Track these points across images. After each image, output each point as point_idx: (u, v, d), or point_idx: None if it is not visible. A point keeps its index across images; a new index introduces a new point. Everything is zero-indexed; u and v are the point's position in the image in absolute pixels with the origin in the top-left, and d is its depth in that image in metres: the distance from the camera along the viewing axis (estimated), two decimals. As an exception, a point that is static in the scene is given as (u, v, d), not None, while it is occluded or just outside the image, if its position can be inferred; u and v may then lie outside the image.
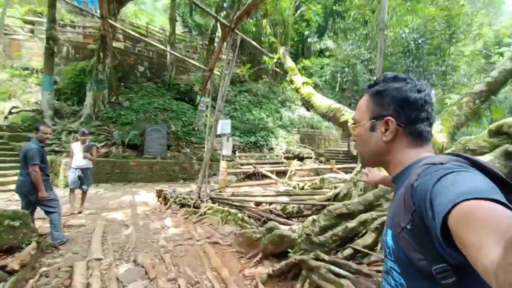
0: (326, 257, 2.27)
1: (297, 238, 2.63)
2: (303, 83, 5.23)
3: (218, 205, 4.55)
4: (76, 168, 4.70)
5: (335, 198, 3.55)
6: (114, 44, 12.18)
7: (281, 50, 6.29)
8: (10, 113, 9.45)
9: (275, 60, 6.18)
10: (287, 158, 12.77)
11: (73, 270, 2.77)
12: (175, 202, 5.18)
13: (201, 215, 4.46)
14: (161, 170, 8.94)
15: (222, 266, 2.83)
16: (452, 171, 0.49)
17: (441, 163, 0.53)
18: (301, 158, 13.15)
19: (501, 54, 18.90)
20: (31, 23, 13.29)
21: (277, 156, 12.59)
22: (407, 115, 0.65)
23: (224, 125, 5.99)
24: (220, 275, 2.69)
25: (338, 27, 14.00)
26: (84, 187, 4.85)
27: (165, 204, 5.44)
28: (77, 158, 4.72)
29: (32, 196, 3.34)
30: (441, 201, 0.44)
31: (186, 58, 6.11)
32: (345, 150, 15.76)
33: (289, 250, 2.68)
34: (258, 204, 4.38)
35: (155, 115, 10.53)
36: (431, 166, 0.54)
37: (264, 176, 9.71)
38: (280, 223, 3.43)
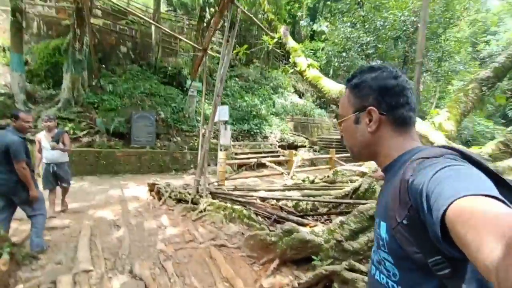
0: (364, 268, 1.95)
1: (322, 243, 2.30)
2: (309, 66, 4.79)
3: (220, 200, 4.15)
4: (49, 164, 3.94)
5: (354, 193, 3.25)
6: (92, 20, 11.03)
7: (282, 29, 5.75)
8: (-26, 97, 8.41)
9: (275, 40, 5.63)
10: (281, 146, 12.45)
11: (56, 287, 2.32)
12: (170, 197, 4.73)
13: (200, 211, 4.05)
14: (151, 160, 8.36)
15: (235, 276, 2.47)
16: (447, 165, 0.48)
17: (435, 157, 0.53)
18: (295, 147, 12.87)
19: (487, 43, 19.11)
20: (-6, -6, 11.75)
21: (271, 145, 12.23)
22: (388, 102, 0.66)
23: (221, 112, 5.49)
24: (234, 288, 2.34)
25: (334, 8, 13.40)
26: (63, 184, 4.15)
27: (159, 199, 4.97)
28: (46, 151, 3.91)
29: (16, 196, 2.83)
30: (438, 198, 0.43)
31: (176, 35, 5.44)
32: (338, 138, 15.64)
33: (313, 256, 2.35)
34: (263, 199, 4.02)
35: (142, 101, 9.76)
36: (425, 160, 0.53)
37: (261, 166, 9.36)
38: (294, 222, 3.09)
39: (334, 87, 4.15)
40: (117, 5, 16.47)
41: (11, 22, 8.35)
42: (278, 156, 11.80)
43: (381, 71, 0.68)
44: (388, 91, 0.66)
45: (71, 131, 7.86)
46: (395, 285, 0.60)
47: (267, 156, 11.13)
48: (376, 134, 0.67)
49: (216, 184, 5.40)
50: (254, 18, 5.11)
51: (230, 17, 4.26)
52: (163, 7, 20.17)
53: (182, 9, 21.24)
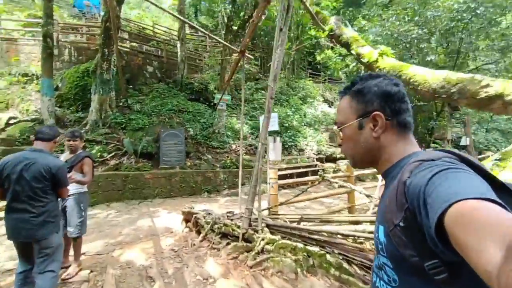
0: None
1: None
2: (381, 54, 3.73)
3: (283, 237, 3.05)
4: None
5: None
6: (120, 45, 11.01)
7: (332, 19, 4.81)
8: (7, 124, 8.28)
9: (326, 33, 4.68)
10: (319, 159, 11.19)
11: None
12: (213, 230, 3.71)
13: (257, 253, 2.96)
14: (181, 181, 7.53)
15: None
16: (445, 168, 0.48)
17: (433, 160, 0.53)
18: (333, 159, 11.55)
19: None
20: (30, 25, 12.25)
21: (308, 158, 11.02)
22: (391, 108, 0.67)
23: (270, 120, 4.51)
24: None
25: (374, 3, 12.34)
26: (70, 229, 2.83)
27: (198, 232, 3.98)
28: None
29: (46, 240, 2.09)
30: (436, 200, 0.43)
31: (209, 34, 4.67)
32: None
33: None
34: (345, 236, 2.82)
35: (170, 118, 9.17)
36: (423, 163, 0.53)
37: (300, 184, 8.16)
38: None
39: (432, 75, 3.00)
40: (144, 28, 16.77)
41: (42, 47, 8.29)
42: (317, 170, 10.53)
43: (382, 78, 0.70)
44: (391, 97, 0.67)
45: (98, 154, 7.32)
46: None
47: (307, 172, 9.93)
48: (380, 139, 0.68)
49: (267, 211, 4.32)
50: (306, 4, 4.24)
51: (283, 7, 3.38)
52: (186, 30, 20.61)
53: (204, 29, 21.48)
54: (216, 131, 9.60)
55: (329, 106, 17.06)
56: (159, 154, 7.97)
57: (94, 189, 6.32)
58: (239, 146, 9.92)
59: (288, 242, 2.85)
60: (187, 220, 4.47)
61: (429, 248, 0.47)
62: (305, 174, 9.85)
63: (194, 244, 3.64)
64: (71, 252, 3.00)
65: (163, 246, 3.68)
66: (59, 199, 2.31)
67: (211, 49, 17.43)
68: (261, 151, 3.36)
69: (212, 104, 11.77)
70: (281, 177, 8.88)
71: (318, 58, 18.20)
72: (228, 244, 3.34)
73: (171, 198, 7.22)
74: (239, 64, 5.18)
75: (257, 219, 3.35)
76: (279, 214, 4.06)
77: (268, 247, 2.99)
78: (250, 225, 3.28)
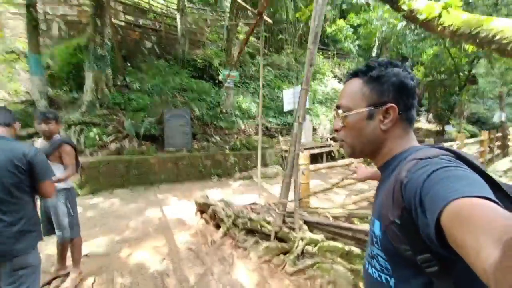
0: None
1: None
2: (445, 7, 2.90)
3: (328, 237, 2.47)
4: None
5: None
6: (115, 19, 9.98)
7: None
8: (-4, 107, 7.60)
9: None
10: (333, 139, 10.55)
11: None
12: (235, 225, 3.15)
13: (297, 257, 2.41)
14: (189, 165, 6.96)
15: None
16: (442, 166, 0.48)
17: (430, 158, 0.53)
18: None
19: None
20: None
21: (321, 138, 10.38)
22: (405, 102, 0.65)
23: (297, 95, 3.81)
24: None
25: None
26: (59, 232, 2.27)
27: (216, 226, 3.44)
28: None
29: (22, 258, 1.48)
30: (434, 199, 0.44)
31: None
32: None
33: None
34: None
35: (173, 97, 8.42)
36: (420, 161, 0.53)
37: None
38: None
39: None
40: (138, 3, 15.43)
41: (26, 19, 7.38)
42: (331, 151, 9.94)
43: (402, 69, 0.67)
44: (407, 91, 0.65)
45: (97, 137, 6.69)
46: (388, 278, 0.60)
47: (322, 153, 9.33)
48: (386, 133, 0.66)
49: (299, 202, 3.72)
50: None
51: None
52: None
53: (202, 2, 19.95)
54: (224, 110, 8.87)
55: (339, 82, 16.11)
56: (163, 137, 7.34)
57: (95, 175, 5.76)
58: (248, 126, 9.26)
59: (338, 244, 2.27)
60: (202, 211, 3.92)
61: (422, 243, 0.48)
62: (320, 155, 9.27)
63: (214, 242, 3.10)
64: (69, 255, 2.45)
65: (178, 244, 3.15)
66: (38, 199, 1.69)
67: (212, 23, 16.17)
68: (298, 132, 2.69)
69: (217, 82, 10.94)
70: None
71: (329, 30, 16.98)
72: (256, 243, 2.79)
73: (179, 183, 6.68)
74: (255, 31, 4.38)
75: (291, 213, 2.77)
76: (313, 208, 3.48)
77: (309, 248, 2.43)
78: (284, 221, 2.71)
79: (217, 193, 5.82)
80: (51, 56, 8.98)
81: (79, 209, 2.77)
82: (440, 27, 2.92)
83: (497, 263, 0.31)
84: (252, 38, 13.49)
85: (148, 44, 11.33)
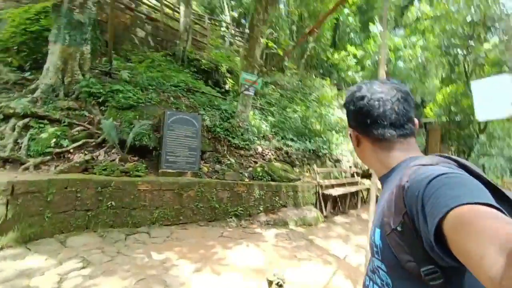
0: None
1: None
2: None
3: None
4: None
5: None
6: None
7: None
8: None
9: None
10: (356, 174, 8.94)
11: None
12: None
13: None
14: (197, 199, 4.57)
15: None
16: (443, 173, 0.47)
17: (431, 165, 0.52)
18: (369, 175, 9.38)
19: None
20: None
21: (345, 172, 8.67)
22: (360, 124, 0.69)
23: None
24: None
25: None
26: None
27: None
28: None
29: None
30: (435, 205, 0.43)
31: None
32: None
33: None
34: None
35: (176, 98, 6.14)
36: (421, 167, 0.52)
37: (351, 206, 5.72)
38: None
39: None
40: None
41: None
42: (359, 190, 8.21)
43: (356, 91, 0.69)
44: (357, 113, 0.68)
45: (52, 142, 4.09)
46: None
47: (346, 193, 7.51)
48: (361, 151, 0.72)
49: None
50: None
51: None
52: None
53: (201, 8, 18.50)
54: (238, 125, 6.76)
55: (343, 112, 15.15)
56: (159, 150, 4.93)
57: (36, 207, 3.14)
58: (266, 149, 7.20)
59: None
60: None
61: (425, 253, 0.47)
62: (354, 194, 7.44)
63: None
64: None
65: None
66: None
67: (211, 28, 14.50)
68: None
69: (223, 90, 8.93)
70: (326, 198, 6.38)
71: (335, 57, 16.40)
72: None
73: (181, 227, 4.23)
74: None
75: None
76: None
77: None
78: None
79: (249, 254, 3.54)
80: (-1, 21, 6.26)
81: None
82: None
83: (504, 273, 0.30)
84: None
85: (141, 33, 9.07)
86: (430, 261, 0.47)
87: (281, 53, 12.73)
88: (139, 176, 4.32)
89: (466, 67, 10.61)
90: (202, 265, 3.01)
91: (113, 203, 3.79)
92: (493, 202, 0.40)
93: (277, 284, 2.00)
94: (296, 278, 2.93)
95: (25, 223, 3.03)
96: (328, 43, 15.82)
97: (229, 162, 5.77)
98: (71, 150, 4.28)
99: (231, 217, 4.86)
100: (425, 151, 14.64)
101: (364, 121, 0.66)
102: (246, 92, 6.81)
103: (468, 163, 0.53)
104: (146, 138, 4.82)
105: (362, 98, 0.66)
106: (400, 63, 15.63)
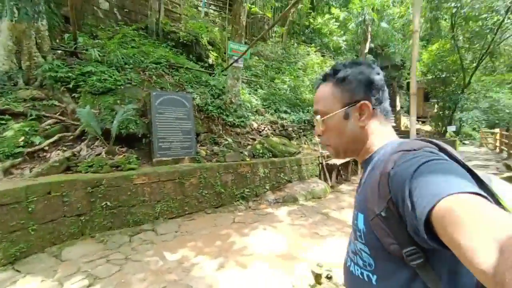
0: None
1: None
2: None
3: None
4: None
5: None
6: None
7: None
8: None
9: None
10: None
11: None
12: None
13: None
14: (202, 185, 4.19)
15: None
16: (429, 159, 0.48)
17: (415, 150, 0.53)
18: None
19: None
20: None
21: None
22: (376, 97, 0.67)
23: None
24: None
25: None
26: None
27: None
28: None
29: None
30: (423, 194, 0.43)
31: None
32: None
33: None
34: None
35: (159, 76, 5.43)
36: (406, 153, 0.53)
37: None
38: None
39: None
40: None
41: None
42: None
43: (365, 66, 0.69)
44: (376, 85, 0.67)
45: (21, 140, 3.44)
46: (370, 274, 0.58)
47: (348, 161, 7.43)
48: (366, 128, 0.67)
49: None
50: None
51: None
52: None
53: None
54: (230, 101, 6.21)
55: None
56: (150, 138, 4.38)
57: (15, 221, 2.64)
58: (261, 124, 6.79)
59: None
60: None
61: (409, 237, 0.48)
62: (354, 160, 7.37)
63: None
64: None
65: None
66: None
67: (183, -2, 13.05)
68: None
69: (207, 65, 8.17)
70: (330, 168, 6.23)
71: (317, 21, 15.56)
72: None
73: (188, 218, 3.88)
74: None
75: None
76: None
77: None
78: None
79: (269, 238, 3.30)
80: None
81: None
82: None
83: (497, 266, 0.30)
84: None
85: (104, 5, 7.87)
86: (412, 243, 0.48)
87: (270, 15, 11.78)
88: (133, 169, 3.82)
89: (453, 21, 10.40)
90: (224, 259, 2.72)
91: (108, 203, 3.33)
92: (478, 190, 0.40)
93: (326, 277, 1.75)
94: (330, 258, 2.74)
95: (6, 241, 2.53)
96: (306, 7, 14.85)
97: (226, 142, 5.34)
98: (46, 148, 3.65)
99: (238, 200, 4.57)
100: (408, 111, 14.87)
101: (381, 94, 0.66)
102: (235, 64, 6.19)
103: (447, 146, 0.53)
104: (133, 125, 4.23)
105: (378, 73, 0.67)
106: (384, 24, 15.20)
